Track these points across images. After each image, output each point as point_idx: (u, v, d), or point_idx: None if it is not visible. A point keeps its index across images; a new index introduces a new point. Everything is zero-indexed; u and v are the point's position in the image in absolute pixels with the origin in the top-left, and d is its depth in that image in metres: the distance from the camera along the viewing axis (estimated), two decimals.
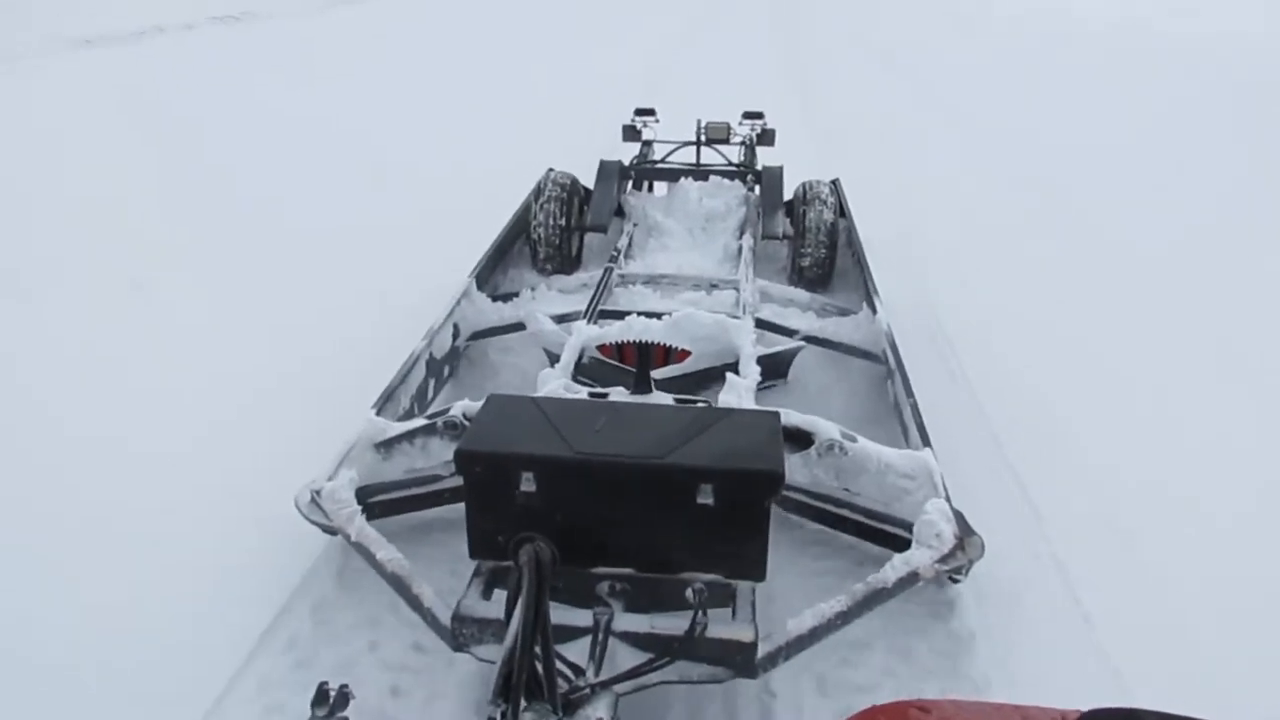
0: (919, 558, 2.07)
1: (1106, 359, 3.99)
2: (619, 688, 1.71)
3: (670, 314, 3.12)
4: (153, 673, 2.14)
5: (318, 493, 2.34)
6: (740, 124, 5.11)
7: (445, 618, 1.90)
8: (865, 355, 3.40)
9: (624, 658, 1.80)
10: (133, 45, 11.04)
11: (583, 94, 9.64)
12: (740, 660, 1.82)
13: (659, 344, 3.05)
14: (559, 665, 1.62)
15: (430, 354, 3.19)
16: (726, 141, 4.97)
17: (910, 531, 2.20)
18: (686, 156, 5.02)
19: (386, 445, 2.52)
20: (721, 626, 1.84)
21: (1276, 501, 2.96)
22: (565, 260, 4.42)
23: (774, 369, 3.30)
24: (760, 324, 3.34)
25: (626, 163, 4.93)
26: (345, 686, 1.43)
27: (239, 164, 6.69)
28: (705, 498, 1.78)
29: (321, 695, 1.40)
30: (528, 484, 1.81)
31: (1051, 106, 10.09)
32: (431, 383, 3.21)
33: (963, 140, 8.77)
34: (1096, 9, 17.08)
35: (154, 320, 4.08)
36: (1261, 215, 6.23)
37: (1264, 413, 3.58)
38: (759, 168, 4.87)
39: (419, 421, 2.54)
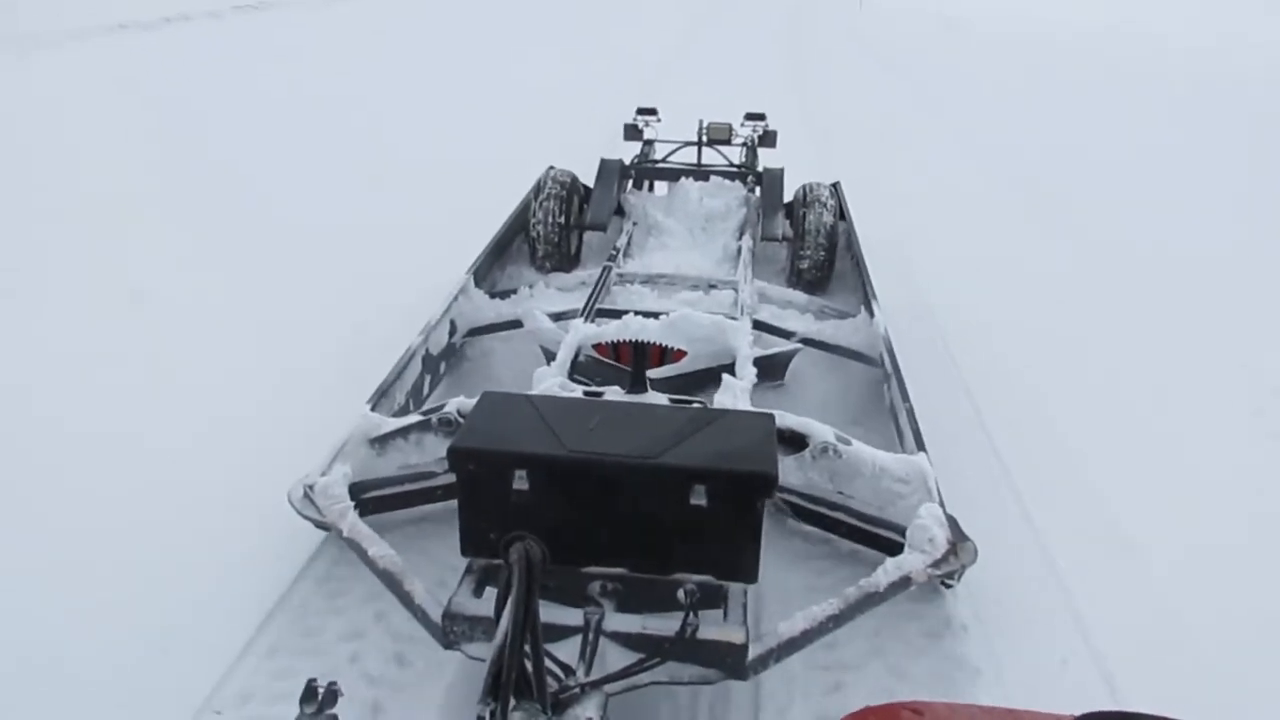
0: (911, 562, 2.06)
1: (1104, 359, 4.00)
2: (609, 687, 1.70)
3: (668, 314, 3.12)
4: None
5: (311, 488, 2.33)
6: (742, 125, 5.11)
7: (436, 615, 1.90)
8: (862, 358, 3.39)
9: (614, 658, 1.80)
10: (158, 31, 11.23)
11: (580, 93, 9.64)
12: (731, 662, 1.82)
13: (655, 344, 3.04)
14: (549, 665, 1.61)
15: (426, 350, 3.19)
16: (728, 142, 4.97)
17: (903, 536, 2.20)
18: (687, 156, 5.01)
19: (381, 441, 2.51)
20: (713, 628, 1.83)
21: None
22: (564, 258, 4.41)
23: (771, 371, 3.29)
24: (758, 325, 3.34)
25: (627, 162, 4.93)
26: (334, 684, 1.42)
27: (245, 155, 6.72)
28: (698, 498, 1.77)
29: (310, 693, 1.40)
30: (520, 482, 1.81)
31: (1049, 107, 10.10)
32: (427, 379, 3.20)
33: (961, 139, 8.78)
34: (1095, 15, 17.10)
35: (154, 315, 4.09)
36: (1260, 212, 6.25)
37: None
38: (760, 169, 4.87)
39: (414, 418, 2.53)
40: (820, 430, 2.44)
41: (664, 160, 5.07)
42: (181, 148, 6.88)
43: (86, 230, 5.08)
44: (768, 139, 5.06)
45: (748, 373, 2.82)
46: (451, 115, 8.67)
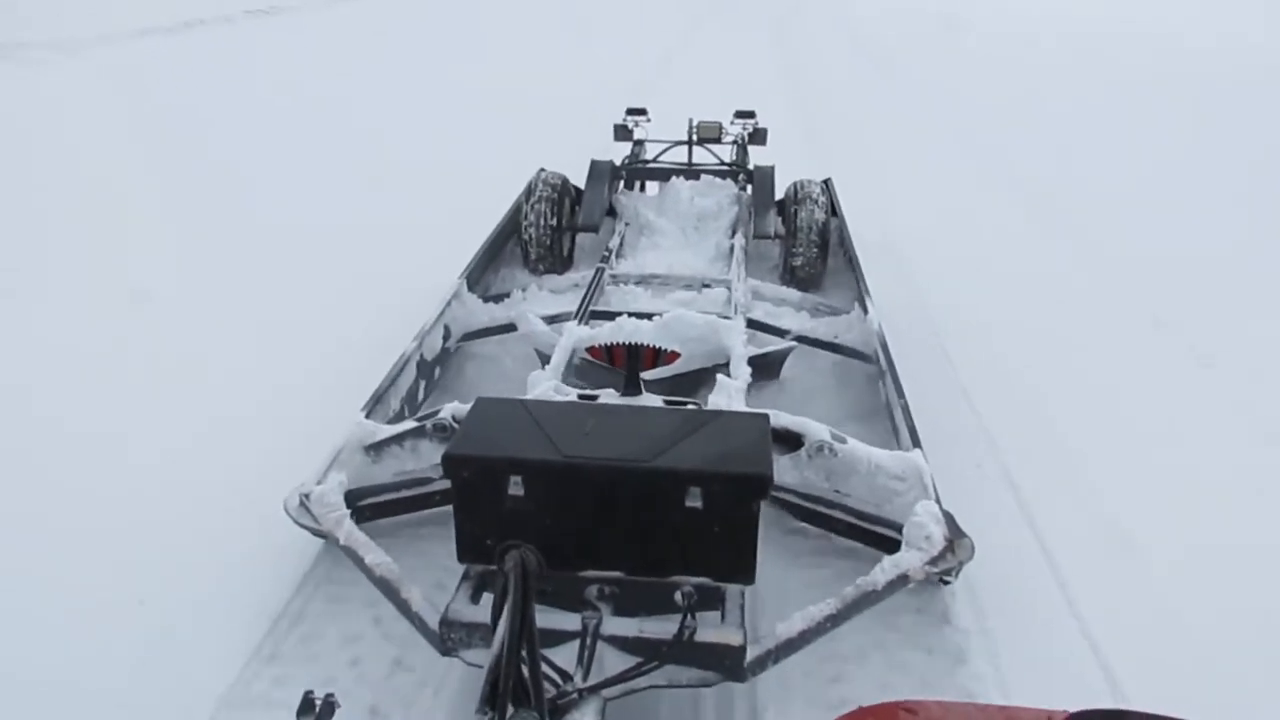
0: (908, 560, 2.06)
1: (1107, 364, 3.99)
2: (607, 692, 1.70)
3: (661, 314, 3.12)
4: None
5: (307, 496, 2.33)
6: (732, 123, 5.11)
7: (434, 622, 1.90)
8: (857, 355, 3.39)
9: (612, 662, 1.80)
10: (178, 35, 11.62)
11: (580, 93, 9.62)
12: (729, 664, 1.82)
13: (649, 345, 3.04)
14: (546, 671, 1.61)
15: (421, 355, 3.18)
16: (718, 141, 4.97)
17: (900, 533, 2.20)
18: (678, 156, 5.01)
19: (376, 448, 2.50)
20: (710, 630, 1.83)
21: None
22: (557, 260, 4.41)
23: (765, 369, 3.29)
24: (751, 324, 3.35)
25: (618, 162, 4.93)
26: (331, 695, 1.41)
27: (248, 156, 6.76)
28: (693, 501, 1.77)
29: (307, 705, 1.39)
30: (516, 488, 1.80)
31: (1049, 109, 10.09)
32: (422, 385, 3.20)
33: (961, 139, 8.76)
34: (1096, 15, 17.07)
35: (154, 315, 4.09)
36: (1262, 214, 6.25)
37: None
38: (751, 167, 4.87)
39: (408, 424, 2.52)
40: (815, 429, 2.43)
41: (654, 160, 5.06)
42: (186, 149, 6.90)
43: (88, 229, 5.08)
44: (758, 136, 5.07)
45: (742, 372, 2.82)
46: (453, 115, 8.65)
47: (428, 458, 2.49)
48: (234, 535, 2.57)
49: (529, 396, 2.52)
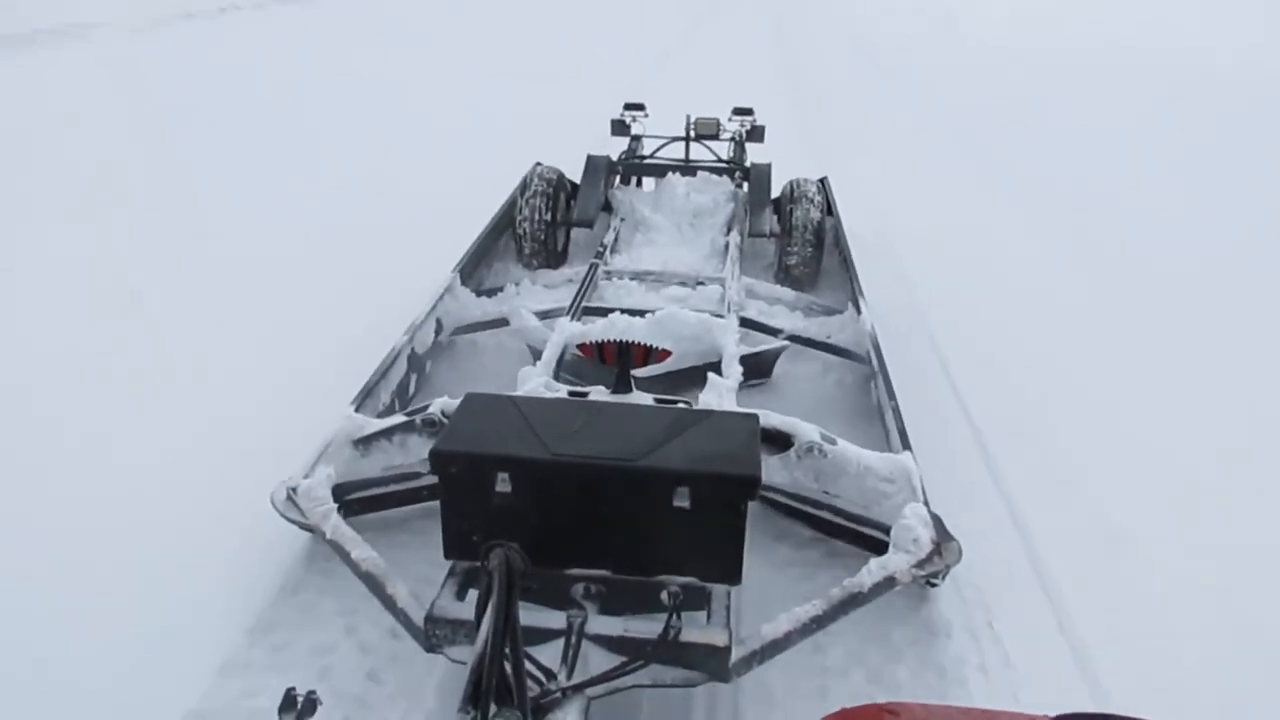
0: (896, 562, 2.06)
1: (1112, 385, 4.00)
2: (591, 691, 1.70)
3: (654, 311, 3.11)
4: None
5: (294, 490, 2.32)
6: (730, 120, 5.10)
7: (419, 618, 1.89)
8: (849, 355, 3.39)
9: (597, 660, 1.79)
10: (215, 20, 12.11)
11: (581, 91, 9.59)
12: (714, 664, 1.81)
13: (640, 342, 3.03)
14: (530, 669, 1.61)
15: (412, 349, 3.17)
16: (716, 137, 4.96)
17: (888, 535, 2.20)
18: (675, 152, 5.00)
19: (365, 442, 2.50)
20: (695, 630, 1.82)
21: None
22: (551, 255, 4.39)
23: (757, 368, 3.29)
24: (744, 323, 3.34)
25: (614, 158, 4.92)
26: (313, 693, 1.41)
27: (252, 153, 6.74)
28: (681, 500, 1.77)
29: (289, 702, 1.39)
30: (503, 484, 1.80)
31: (1046, 110, 10.09)
32: (413, 378, 3.19)
33: (961, 139, 8.75)
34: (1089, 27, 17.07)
35: (154, 315, 4.07)
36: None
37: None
38: (748, 164, 4.86)
39: (398, 418, 2.52)
40: (805, 429, 2.43)
41: (651, 156, 5.05)
42: (187, 145, 6.88)
43: (88, 227, 5.05)
44: (755, 134, 5.06)
45: (733, 371, 2.82)
46: (452, 113, 8.60)
47: (416, 453, 2.49)
48: (234, 535, 2.55)
49: (519, 392, 2.52)
